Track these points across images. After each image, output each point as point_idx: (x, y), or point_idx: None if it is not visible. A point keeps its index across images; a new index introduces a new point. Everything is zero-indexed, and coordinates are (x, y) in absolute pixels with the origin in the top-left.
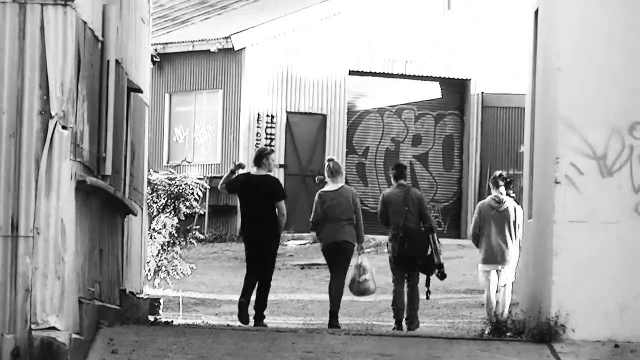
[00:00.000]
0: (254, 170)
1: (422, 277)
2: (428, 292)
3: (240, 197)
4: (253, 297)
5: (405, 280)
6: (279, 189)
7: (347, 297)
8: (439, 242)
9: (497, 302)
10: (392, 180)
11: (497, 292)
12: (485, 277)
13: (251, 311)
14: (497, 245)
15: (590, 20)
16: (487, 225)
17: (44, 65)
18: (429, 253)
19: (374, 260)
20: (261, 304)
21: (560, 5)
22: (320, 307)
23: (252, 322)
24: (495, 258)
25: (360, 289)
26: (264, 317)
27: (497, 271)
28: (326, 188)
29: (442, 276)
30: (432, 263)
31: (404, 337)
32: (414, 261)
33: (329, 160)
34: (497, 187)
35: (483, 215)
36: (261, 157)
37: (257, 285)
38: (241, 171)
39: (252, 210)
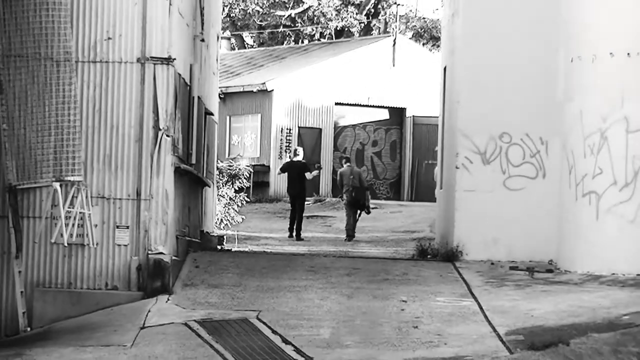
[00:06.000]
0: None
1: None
2: (358, 216)
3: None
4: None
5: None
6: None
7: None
8: (369, 195)
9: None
10: (343, 162)
11: None
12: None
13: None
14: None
15: (474, 76)
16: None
17: (155, 99)
18: (365, 201)
19: (339, 212)
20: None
21: (458, 67)
22: (317, 241)
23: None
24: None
25: None
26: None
27: None
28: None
29: (368, 211)
30: (364, 206)
31: (366, 258)
32: (358, 203)
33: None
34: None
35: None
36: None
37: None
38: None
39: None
